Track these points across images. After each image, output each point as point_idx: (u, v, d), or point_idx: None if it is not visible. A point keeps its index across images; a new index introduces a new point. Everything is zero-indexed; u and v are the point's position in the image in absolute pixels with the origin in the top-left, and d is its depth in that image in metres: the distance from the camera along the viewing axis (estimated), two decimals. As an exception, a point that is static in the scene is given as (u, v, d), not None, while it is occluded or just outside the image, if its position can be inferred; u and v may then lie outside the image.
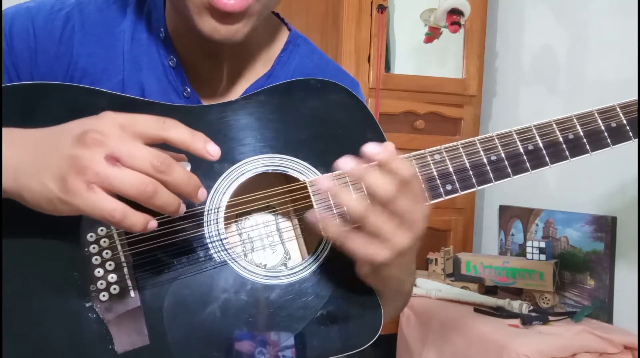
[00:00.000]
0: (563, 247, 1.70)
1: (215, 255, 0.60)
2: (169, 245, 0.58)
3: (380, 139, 0.66)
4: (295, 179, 0.64)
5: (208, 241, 0.60)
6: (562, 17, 1.84)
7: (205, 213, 0.61)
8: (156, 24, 0.69)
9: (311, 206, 0.62)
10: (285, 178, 0.66)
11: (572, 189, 1.72)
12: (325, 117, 0.66)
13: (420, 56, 2.03)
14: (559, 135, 0.66)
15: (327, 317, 0.61)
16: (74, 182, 0.46)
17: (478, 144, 0.64)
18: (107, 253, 0.58)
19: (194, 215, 0.59)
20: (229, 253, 0.61)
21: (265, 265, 0.67)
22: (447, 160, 0.64)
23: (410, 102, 1.94)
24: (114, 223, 0.48)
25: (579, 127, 0.66)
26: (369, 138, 0.65)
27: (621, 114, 0.67)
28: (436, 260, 1.88)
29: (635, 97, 0.68)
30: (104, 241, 0.58)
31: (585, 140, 0.66)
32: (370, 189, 0.53)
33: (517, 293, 1.73)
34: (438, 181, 0.63)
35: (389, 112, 1.91)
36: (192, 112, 0.64)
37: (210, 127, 0.63)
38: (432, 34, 1.90)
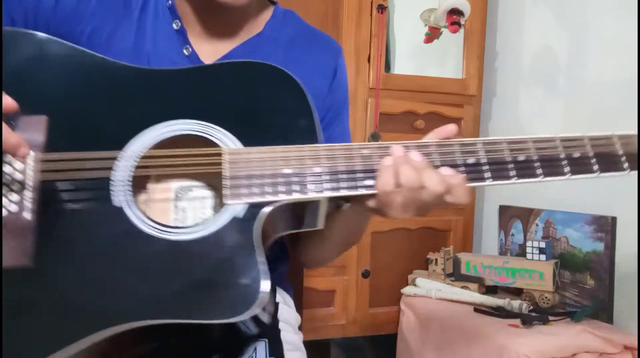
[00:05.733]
0: (563, 247, 1.70)
1: (114, 198, 0.63)
2: (75, 180, 0.63)
3: (306, 107, 0.69)
4: (214, 145, 0.66)
5: (112, 183, 0.64)
6: (562, 17, 1.84)
7: (120, 159, 0.64)
8: None
9: (220, 174, 0.64)
10: (206, 143, 0.68)
11: (572, 189, 1.72)
12: (257, 95, 0.70)
13: (420, 56, 2.03)
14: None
15: (202, 282, 0.60)
16: None
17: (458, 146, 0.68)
18: (17, 175, 0.61)
19: (107, 158, 0.64)
20: (126, 200, 0.63)
21: (161, 222, 0.67)
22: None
23: (410, 102, 1.94)
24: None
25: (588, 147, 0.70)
26: (299, 122, 0.68)
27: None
28: (436, 260, 1.88)
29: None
30: (18, 164, 0.61)
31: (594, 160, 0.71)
32: (429, 180, 0.63)
33: (517, 293, 1.73)
34: None
35: (389, 112, 1.91)
36: (145, 75, 0.70)
37: (152, 89, 0.69)
38: (432, 34, 1.90)
